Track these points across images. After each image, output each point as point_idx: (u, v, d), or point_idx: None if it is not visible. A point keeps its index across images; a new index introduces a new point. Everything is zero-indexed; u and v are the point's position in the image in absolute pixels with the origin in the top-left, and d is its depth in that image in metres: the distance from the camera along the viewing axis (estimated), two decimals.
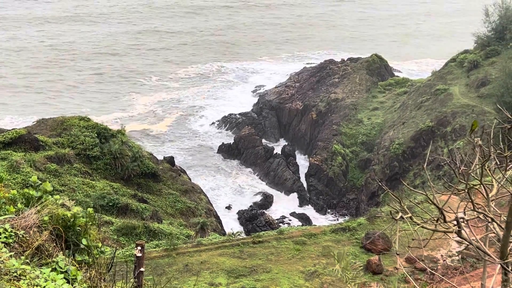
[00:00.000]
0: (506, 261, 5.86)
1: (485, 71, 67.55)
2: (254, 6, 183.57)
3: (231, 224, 60.75)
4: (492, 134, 6.30)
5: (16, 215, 7.71)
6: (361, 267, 37.73)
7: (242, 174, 72.43)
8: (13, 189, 9.27)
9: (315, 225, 54.80)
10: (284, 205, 67.18)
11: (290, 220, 64.61)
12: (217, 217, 59.88)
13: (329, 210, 67.32)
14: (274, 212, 65.23)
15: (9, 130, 55.58)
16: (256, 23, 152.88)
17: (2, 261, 6.40)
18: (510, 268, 5.93)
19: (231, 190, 68.83)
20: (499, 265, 6.16)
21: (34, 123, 62.14)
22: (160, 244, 43.26)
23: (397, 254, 36.78)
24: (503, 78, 62.20)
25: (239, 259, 41.34)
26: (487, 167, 6.36)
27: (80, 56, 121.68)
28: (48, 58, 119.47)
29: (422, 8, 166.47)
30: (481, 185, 6.46)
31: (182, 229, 51.32)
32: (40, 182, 8.73)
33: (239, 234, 49.49)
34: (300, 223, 62.31)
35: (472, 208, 6.46)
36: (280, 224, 61.26)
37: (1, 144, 50.83)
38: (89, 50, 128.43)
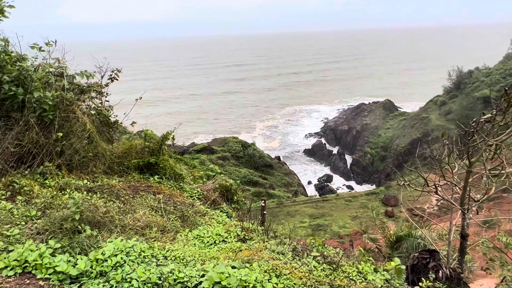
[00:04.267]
0: (463, 207, 6.33)
1: (449, 106, 70.33)
2: (313, 72, 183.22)
3: (311, 191, 63.53)
4: (454, 139, 6.30)
5: (203, 184, 9.81)
6: (382, 213, 40.26)
7: (315, 164, 76.86)
8: (201, 172, 12.07)
9: (356, 191, 57.21)
10: (339, 181, 70.65)
11: (342, 188, 66.80)
12: (303, 187, 62.70)
13: (363, 183, 69.66)
14: (334, 184, 68.42)
15: (199, 143, 62.49)
16: (317, 81, 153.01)
17: (197, 206, 7.70)
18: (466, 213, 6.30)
19: (310, 173, 72.85)
20: (460, 211, 6.60)
21: (211, 140, 67.97)
22: (274, 200, 46.84)
23: (402, 206, 35.40)
24: (460, 110, 65.12)
25: (315, 209, 44.14)
26: (452, 157, 6.45)
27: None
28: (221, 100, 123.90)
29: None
30: (448, 166, 6.51)
31: (285, 193, 54.18)
32: (214, 169, 15.80)
33: (315, 196, 53.37)
34: (348, 190, 64.23)
35: (443, 178, 6.68)
36: (337, 190, 63.21)
37: (195, 151, 56.66)
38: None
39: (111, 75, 9.30)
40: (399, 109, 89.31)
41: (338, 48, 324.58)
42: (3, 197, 5.93)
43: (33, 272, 4.09)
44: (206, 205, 8.26)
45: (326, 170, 75.82)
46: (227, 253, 5.39)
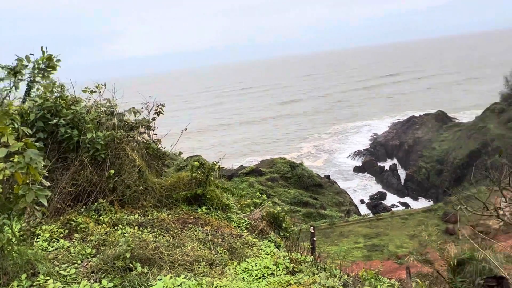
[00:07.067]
0: None
1: (510, 113, 66.81)
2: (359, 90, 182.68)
3: (364, 210, 61.46)
4: None
5: (250, 213, 9.69)
6: (442, 231, 39.00)
7: (367, 182, 75.15)
8: (248, 200, 11.31)
9: (413, 208, 54.62)
10: (393, 198, 68.41)
11: (397, 206, 64.13)
12: (355, 206, 61.05)
13: (419, 200, 67.05)
14: (387, 202, 66.35)
15: (247, 166, 62.65)
16: (369, 99, 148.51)
17: (244, 237, 7.68)
18: None
19: (361, 191, 71.21)
20: None
21: (259, 162, 67.12)
22: (326, 221, 45.47)
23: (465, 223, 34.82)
24: None
25: (369, 229, 42.52)
26: None
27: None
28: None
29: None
30: (510, 186, 6.14)
31: (337, 213, 52.46)
32: (261, 195, 11.94)
33: (368, 215, 51.28)
34: (403, 207, 61.60)
35: (505, 200, 6.39)
36: (392, 208, 60.27)
37: (243, 174, 56.87)
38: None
39: (156, 110, 9.66)
40: (453, 120, 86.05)
41: (393, 62, 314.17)
42: (62, 235, 6.23)
43: None
44: (254, 235, 8.23)
45: (379, 188, 73.77)
46: None
